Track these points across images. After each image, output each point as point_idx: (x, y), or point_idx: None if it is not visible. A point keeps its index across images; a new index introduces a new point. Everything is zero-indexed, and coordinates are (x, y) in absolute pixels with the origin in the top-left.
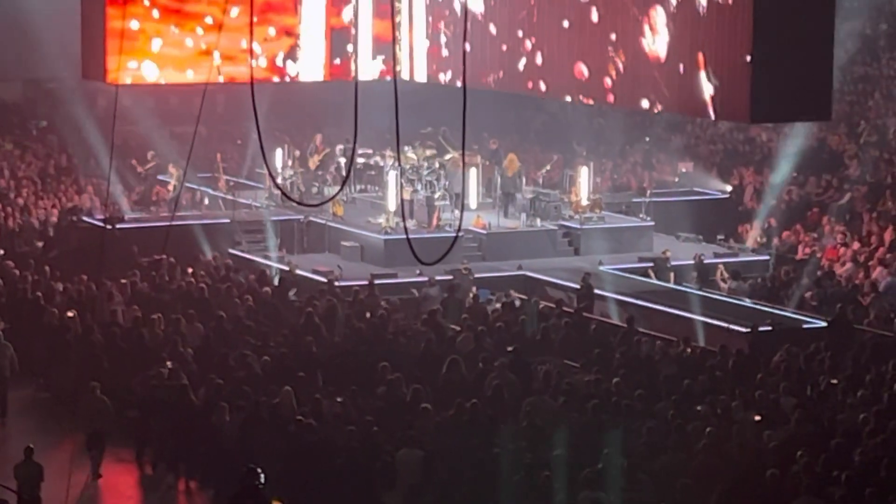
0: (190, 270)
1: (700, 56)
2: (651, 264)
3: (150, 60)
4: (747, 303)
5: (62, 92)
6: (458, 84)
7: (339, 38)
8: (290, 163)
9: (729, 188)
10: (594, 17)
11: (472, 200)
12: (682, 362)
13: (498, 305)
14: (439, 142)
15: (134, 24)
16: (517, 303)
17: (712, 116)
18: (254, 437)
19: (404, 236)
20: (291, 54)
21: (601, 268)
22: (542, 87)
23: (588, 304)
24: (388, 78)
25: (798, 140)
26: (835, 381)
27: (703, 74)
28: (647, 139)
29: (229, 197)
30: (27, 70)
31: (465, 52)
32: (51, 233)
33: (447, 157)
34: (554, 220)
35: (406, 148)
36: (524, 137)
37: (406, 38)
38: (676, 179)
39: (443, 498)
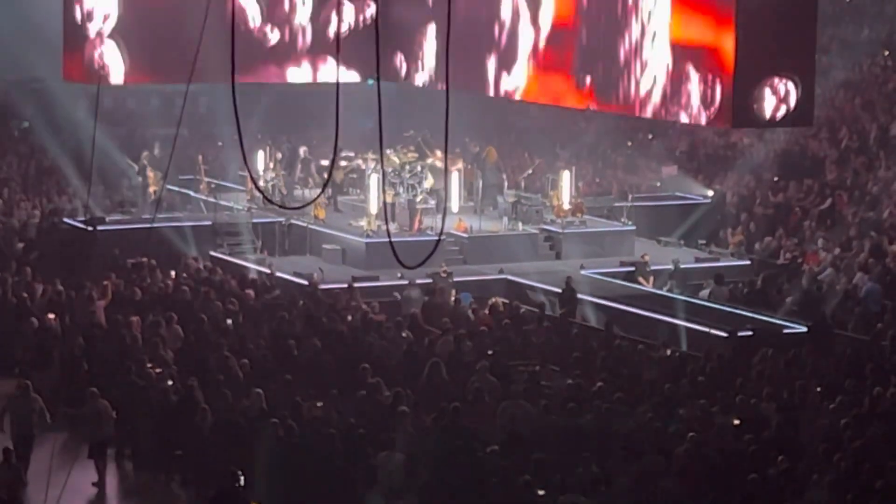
0: (173, 273)
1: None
2: (633, 268)
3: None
4: (728, 307)
5: (44, 93)
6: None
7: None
8: (271, 165)
9: (710, 193)
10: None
11: (454, 204)
12: (662, 366)
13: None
14: (419, 145)
15: None
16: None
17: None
18: (233, 440)
19: (386, 239)
20: None
21: (582, 272)
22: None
23: (570, 308)
24: (371, 81)
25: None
26: (818, 389)
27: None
28: (630, 143)
29: (210, 199)
30: (9, 70)
31: (447, 54)
32: (32, 234)
33: (429, 160)
34: (535, 224)
35: (388, 151)
36: (506, 141)
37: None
38: (658, 184)
39: (423, 502)
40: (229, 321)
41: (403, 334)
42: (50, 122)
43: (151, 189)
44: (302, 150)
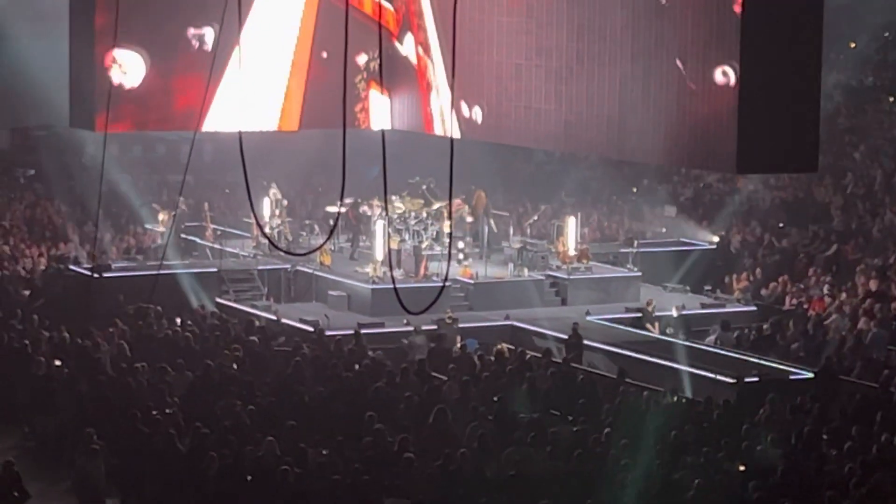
0: (178, 320)
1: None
2: (640, 314)
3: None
4: (734, 353)
5: (50, 140)
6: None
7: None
8: (277, 212)
9: (716, 239)
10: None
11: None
12: (668, 412)
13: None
14: (423, 194)
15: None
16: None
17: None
18: (239, 487)
19: (391, 286)
20: None
21: (588, 318)
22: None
23: (577, 355)
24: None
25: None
26: (825, 436)
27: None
28: (635, 190)
29: (216, 246)
30: (15, 118)
31: (452, 100)
32: (37, 281)
33: (434, 206)
34: (541, 270)
35: (393, 197)
36: (512, 188)
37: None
38: (664, 230)
39: None
40: (235, 365)
41: (409, 380)
42: (55, 169)
43: (161, 229)
44: (271, 192)
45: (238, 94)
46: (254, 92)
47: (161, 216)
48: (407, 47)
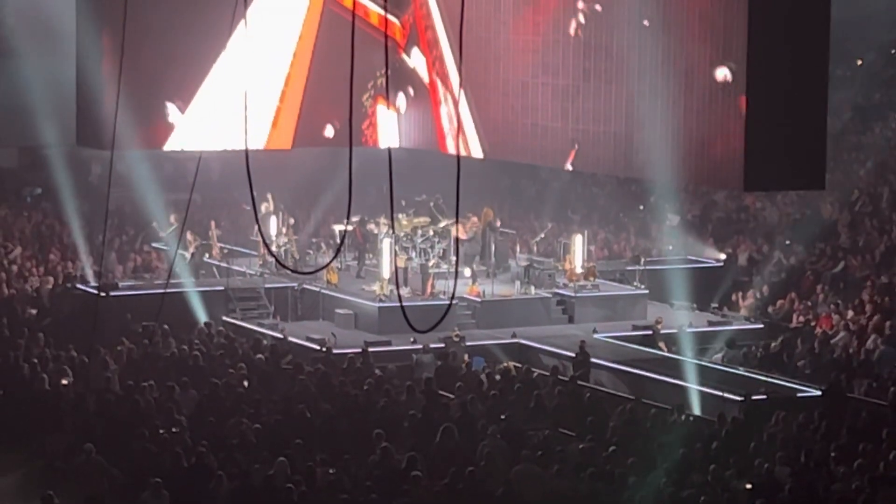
0: (186, 339)
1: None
2: (650, 332)
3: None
4: (741, 371)
5: (57, 158)
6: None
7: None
8: (283, 230)
9: (723, 256)
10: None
11: (467, 268)
12: (676, 430)
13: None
14: (431, 210)
15: None
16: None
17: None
18: None
19: (398, 304)
20: None
21: (595, 336)
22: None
23: (584, 372)
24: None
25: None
26: (832, 453)
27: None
28: (642, 207)
29: (223, 264)
30: (22, 136)
31: (459, 118)
32: (45, 300)
33: (442, 224)
34: (548, 288)
35: (400, 215)
36: (518, 205)
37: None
38: (671, 247)
39: None
40: (245, 383)
41: (416, 398)
42: (63, 188)
43: (191, 249)
44: (263, 206)
45: (226, 112)
46: (241, 108)
47: (189, 237)
48: (414, 60)
